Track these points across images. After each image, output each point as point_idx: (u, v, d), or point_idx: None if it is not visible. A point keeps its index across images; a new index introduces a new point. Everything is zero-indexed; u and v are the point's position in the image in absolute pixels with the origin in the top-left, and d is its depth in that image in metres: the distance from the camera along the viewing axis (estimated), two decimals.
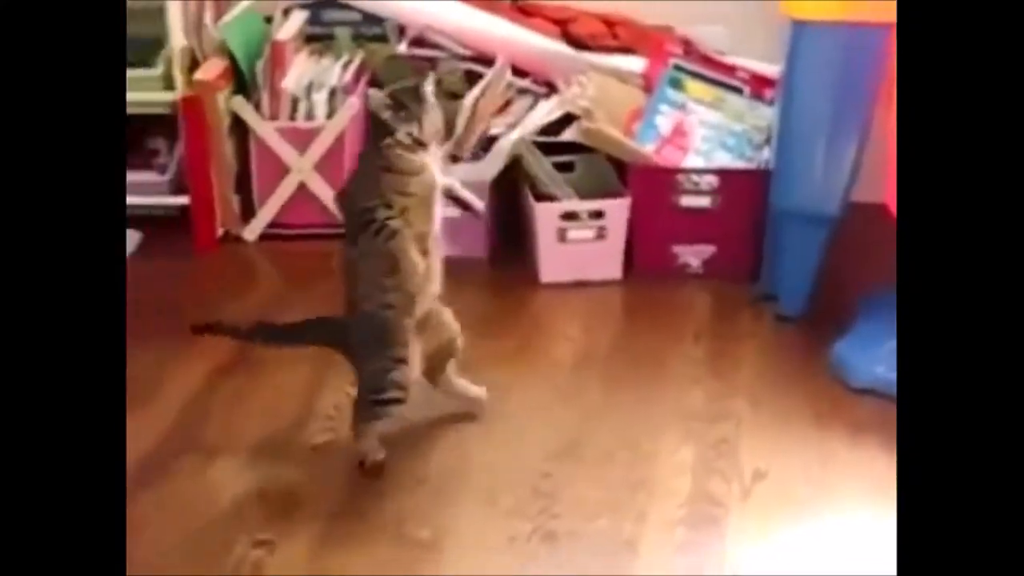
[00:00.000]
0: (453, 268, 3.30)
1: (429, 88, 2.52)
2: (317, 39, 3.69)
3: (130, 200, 3.52)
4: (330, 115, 3.47)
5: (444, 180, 2.56)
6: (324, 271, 3.30)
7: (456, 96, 3.48)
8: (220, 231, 3.52)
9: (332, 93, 3.48)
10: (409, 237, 2.48)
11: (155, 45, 3.52)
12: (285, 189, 3.50)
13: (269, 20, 3.63)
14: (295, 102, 3.48)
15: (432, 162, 2.52)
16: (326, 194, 3.47)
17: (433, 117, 2.52)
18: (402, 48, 3.61)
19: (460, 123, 3.39)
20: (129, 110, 3.51)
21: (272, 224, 3.53)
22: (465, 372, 2.85)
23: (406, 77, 3.46)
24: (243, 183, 3.55)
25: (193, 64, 3.47)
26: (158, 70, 3.48)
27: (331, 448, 2.64)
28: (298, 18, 3.66)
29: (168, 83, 3.46)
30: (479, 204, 2.70)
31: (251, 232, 3.53)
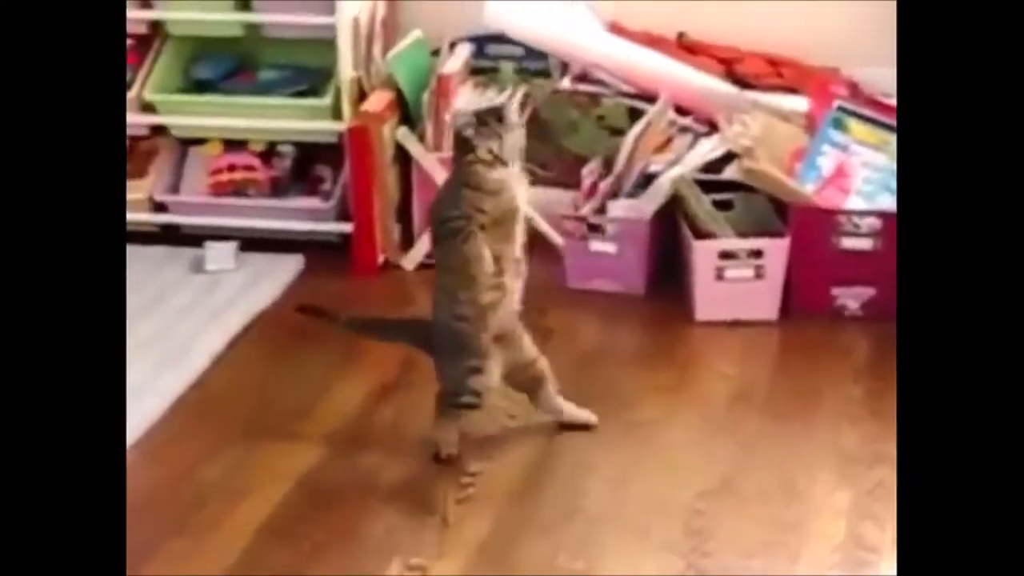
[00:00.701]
0: (610, 303, 3.35)
1: (513, 109, 2.65)
2: (482, 72, 3.74)
3: (294, 225, 3.64)
4: None
5: (526, 209, 2.68)
6: None
7: (618, 132, 3.50)
8: (380, 259, 3.57)
9: None
10: (484, 243, 2.59)
11: (325, 76, 3.62)
12: None
13: (436, 53, 3.70)
14: None
15: (514, 185, 2.63)
16: None
17: (515, 137, 2.63)
18: (565, 83, 3.64)
19: (621, 159, 3.41)
20: (298, 138, 3.68)
21: (431, 254, 3.56)
22: (620, 405, 2.87)
23: (568, 113, 3.56)
24: (404, 212, 3.61)
25: (361, 95, 3.55)
26: (327, 100, 3.56)
27: (485, 476, 2.66)
28: (464, 51, 3.72)
29: (336, 113, 3.55)
30: (558, 239, 2.75)
31: (410, 261, 3.58)
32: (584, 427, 2.80)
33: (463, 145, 2.61)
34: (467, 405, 2.68)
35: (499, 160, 2.60)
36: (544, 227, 2.71)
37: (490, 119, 2.61)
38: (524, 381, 2.76)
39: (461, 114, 2.68)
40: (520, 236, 2.66)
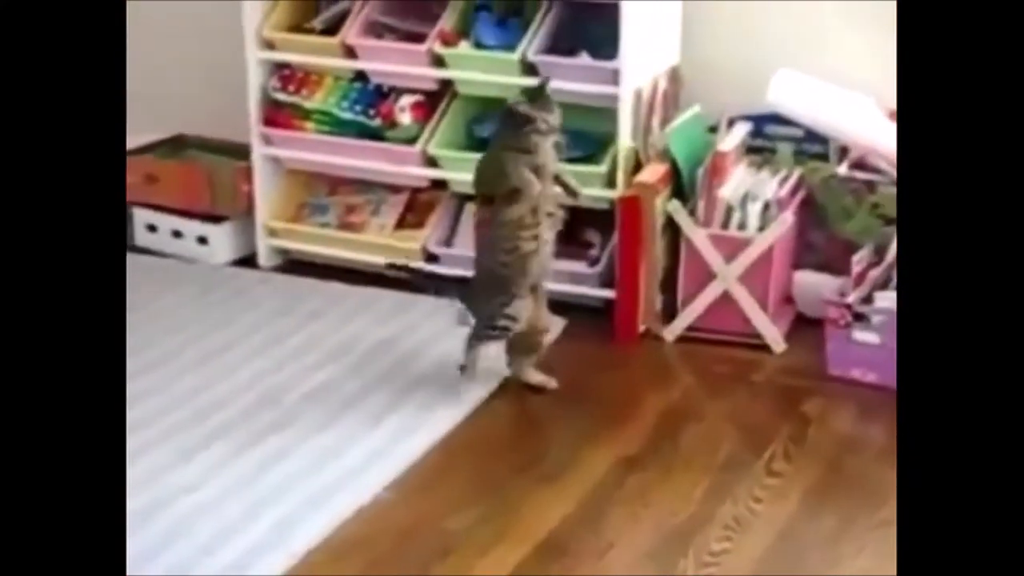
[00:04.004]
0: (868, 394, 3.28)
1: (548, 89, 3.08)
2: (758, 151, 3.75)
3: (559, 287, 3.69)
4: (762, 228, 3.51)
5: (554, 166, 3.11)
6: (736, 379, 3.36)
7: (892, 221, 3.45)
8: (641, 327, 3.60)
9: (766, 206, 3.52)
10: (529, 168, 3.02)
11: (604, 143, 3.68)
12: (709, 295, 3.56)
13: (713, 129, 3.72)
14: (729, 211, 3.54)
15: (547, 149, 3.06)
16: (748, 304, 3.50)
17: (558, 113, 3.06)
18: (842, 169, 3.61)
19: (894, 249, 3.36)
20: (571, 202, 3.73)
21: (691, 327, 3.59)
22: (869, 502, 2.82)
23: (843, 199, 3.54)
24: (667, 284, 3.64)
25: (637, 165, 3.60)
26: (603, 167, 3.63)
27: (728, 556, 2.66)
28: (741, 129, 3.72)
29: (611, 181, 3.61)
30: (579, 188, 3.24)
31: (671, 332, 3.60)
32: (540, 389, 3.20)
33: (520, 119, 2.99)
34: (501, 328, 3.10)
35: (552, 130, 3.00)
36: (569, 180, 3.19)
37: (539, 95, 3.03)
38: (522, 341, 3.17)
39: (516, 99, 3.06)
40: (551, 190, 3.07)
